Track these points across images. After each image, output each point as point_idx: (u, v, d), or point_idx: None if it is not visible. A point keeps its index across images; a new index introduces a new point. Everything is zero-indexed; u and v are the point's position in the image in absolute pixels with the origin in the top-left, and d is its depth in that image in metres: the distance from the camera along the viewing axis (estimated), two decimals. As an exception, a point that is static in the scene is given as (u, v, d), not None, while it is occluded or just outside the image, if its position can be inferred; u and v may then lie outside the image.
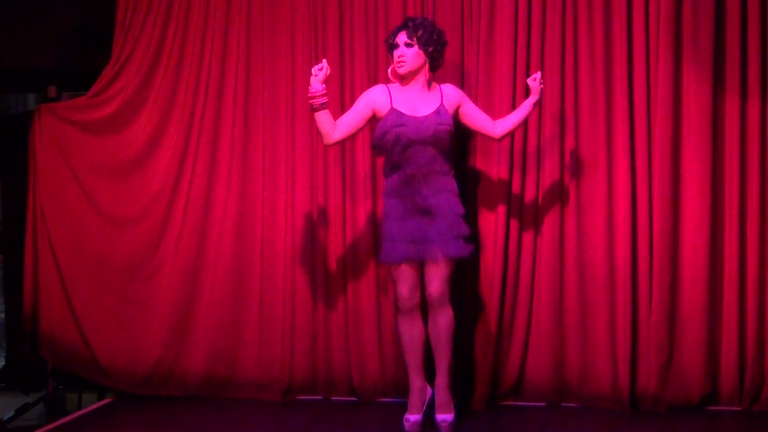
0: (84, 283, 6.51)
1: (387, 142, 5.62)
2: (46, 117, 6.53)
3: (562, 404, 6.19)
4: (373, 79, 6.30)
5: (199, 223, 6.48)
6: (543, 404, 6.19)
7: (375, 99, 5.68)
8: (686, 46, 6.00)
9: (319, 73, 5.49)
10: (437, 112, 5.64)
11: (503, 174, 6.13)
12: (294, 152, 6.42)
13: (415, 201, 5.61)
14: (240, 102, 6.47)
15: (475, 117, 5.79)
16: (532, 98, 5.77)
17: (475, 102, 6.10)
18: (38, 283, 6.55)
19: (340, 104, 6.33)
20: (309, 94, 5.54)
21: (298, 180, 6.42)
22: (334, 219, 6.37)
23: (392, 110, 5.62)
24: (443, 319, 5.66)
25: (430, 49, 5.66)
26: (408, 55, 5.63)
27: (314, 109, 5.55)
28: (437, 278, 5.61)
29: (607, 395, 6.07)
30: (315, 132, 6.11)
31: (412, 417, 5.71)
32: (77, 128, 6.53)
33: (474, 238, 6.05)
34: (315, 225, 6.40)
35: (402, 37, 5.65)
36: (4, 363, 7.76)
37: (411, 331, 5.73)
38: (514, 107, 6.08)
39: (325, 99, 5.53)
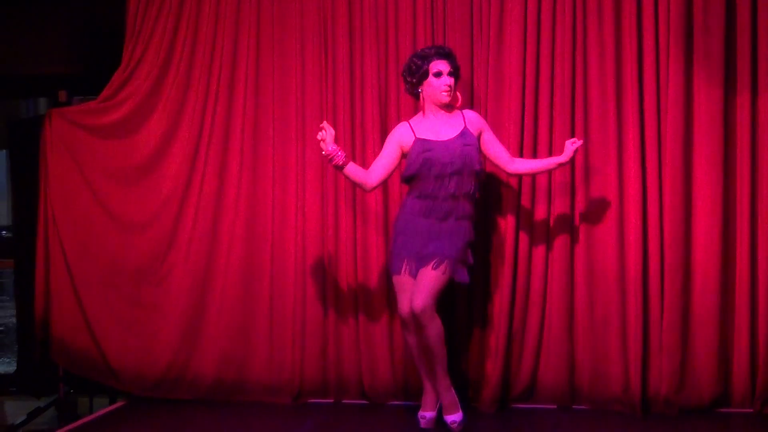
0: (95, 288, 6.52)
1: (417, 170, 5.66)
2: (57, 121, 6.54)
3: (574, 407, 6.18)
4: (383, 76, 6.32)
5: (209, 227, 6.48)
6: (554, 407, 6.18)
7: (400, 137, 5.75)
8: (697, 48, 6.00)
9: (326, 136, 5.54)
10: (462, 134, 5.70)
11: (513, 178, 6.12)
12: (304, 156, 6.42)
13: (434, 223, 5.66)
14: (250, 106, 6.47)
15: (493, 147, 5.83)
16: (561, 159, 5.77)
17: (485, 106, 6.13)
18: (50, 287, 6.56)
19: (350, 106, 6.35)
20: (327, 159, 5.58)
21: (309, 184, 6.42)
22: (344, 222, 6.37)
23: (417, 140, 5.70)
24: (431, 332, 5.60)
25: (458, 79, 5.80)
26: (452, 83, 5.72)
27: (339, 168, 5.61)
28: (424, 290, 5.58)
29: (618, 398, 6.06)
30: None
31: (428, 414, 5.77)
32: (88, 132, 6.54)
33: (484, 242, 6.06)
34: (325, 229, 6.40)
35: (445, 66, 5.71)
36: (15, 367, 7.77)
37: (414, 340, 5.74)
38: (522, 112, 6.11)
39: (342, 156, 5.58)
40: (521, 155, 6.11)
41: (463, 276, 5.69)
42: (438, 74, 5.70)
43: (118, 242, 6.53)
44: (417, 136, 5.70)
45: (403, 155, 5.75)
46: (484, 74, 6.20)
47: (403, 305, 5.68)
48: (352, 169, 5.64)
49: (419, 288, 5.59)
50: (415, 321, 5.60)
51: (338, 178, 6.35)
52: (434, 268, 5.60)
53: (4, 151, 8.93)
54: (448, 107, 5.76)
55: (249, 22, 6.47)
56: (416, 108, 5.93)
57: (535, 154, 6.12)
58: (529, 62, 6.15)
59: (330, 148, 5.55)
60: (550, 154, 6.09)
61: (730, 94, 6.00)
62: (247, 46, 6.46)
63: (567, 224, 6.13)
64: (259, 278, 6.45)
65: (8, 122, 7.69)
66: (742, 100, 5.99)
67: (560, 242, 6.12)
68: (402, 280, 5.69)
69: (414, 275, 5.65)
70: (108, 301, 6.52)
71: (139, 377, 6.49)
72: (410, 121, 5.80)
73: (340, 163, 5.58)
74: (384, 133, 6.22)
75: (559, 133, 6.13)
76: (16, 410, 7.05)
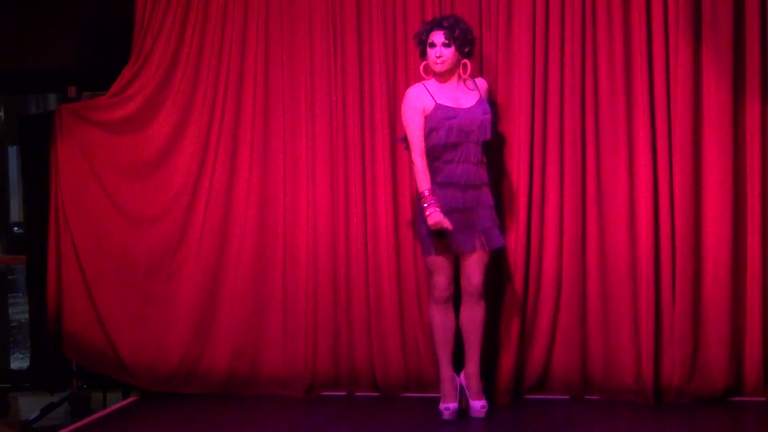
0: (107, 283, 6.53)
1: (440, 137, 5.73)
2: (66, 117, 6.55)
3: (586, 397, 6.18)
4: (392, 71, 6.33)
5: (220, 221, 6.48)
6: (567, 397, 6.18)
7: (420, 101, 5.80)
8: (705, 38, 5.98)
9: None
10: (479, 102, 5.80)
11: (524, 168, 6.11)
12: (314, 149, 6.42)
13: (460, 195, 5.73)
14: (259, 99, 6.47)
15: None
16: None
17: (495, 98, 6.13)
18: (62, 283, 6.57)
19: (359, 99, 6.35)
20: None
21: (319, 177, 6.42)
22: (354, 215, 6.37)
23: (438, 106, 5.76)
24: (479, 311, 5.80)
25: (466, 49, 5.82)
26: (446, 54, 5.77)
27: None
28: (479, 269, 5.77)
29: (630, 388, 6.06)
30: (338, 131, 6.37)
31: (451, 405, 5.80)
32: (98, 128, 6.55)
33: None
34: (336, 221, 6.41)
35: (439, 37, 5.78)
36: (29, 363, 7.79)
37: (445, 322, 5.82)
38: (533, 103, 6.13)
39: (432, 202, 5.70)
40: (531, 149, 6.13)
41: (501, 240, 5.84)
42: (432, 45, 5.80)
43: (129, 237, 6.54)
44: (438, 102, 5.77)
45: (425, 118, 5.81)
46: (494, 65, 6.19)
47: (442, 281, 5.76)
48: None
49: (473, 266, 5.76)
50: (470, 297, 5.76)
51: (348, 172, 6.37)
52: (480, 247, 5.74)
53: (15, 147, 8.94)
54: (457, 76, 5.84)
55: (258, 15, 6.45)
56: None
57: (544, 145, 6.14)
58: (538, 55, 6.14)
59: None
60: (561, 144, 6.13)
61: (739, 84, 5.98)
62: (256, 38, 6.46)
63: (578, 214, 6.12)
64: (270, 272, 6.46)
65: (18, 118, 7.70)
66: (752, 90, 5.96)
67: (572, 232, 6.11)
68: (436, 260, 5.76)
69: (449, 253, 5.73)
70: (119, 296, 6.53)
71: (152, 372, 6.50)
72: (425, 83, 5.85)
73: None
74: (393, 127, 6.25)
75: (569, 125, 6.12)
76: (29, 405, 7.07)
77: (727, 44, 5.97)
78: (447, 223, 5.64)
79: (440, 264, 5.77)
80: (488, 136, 5.79)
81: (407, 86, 6.20)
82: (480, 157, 5.80)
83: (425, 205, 5.68)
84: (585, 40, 6.13)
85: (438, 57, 5.77)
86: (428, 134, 5.75)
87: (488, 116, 5.79)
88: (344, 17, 6.38)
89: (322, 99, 6.40)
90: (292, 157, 6.45)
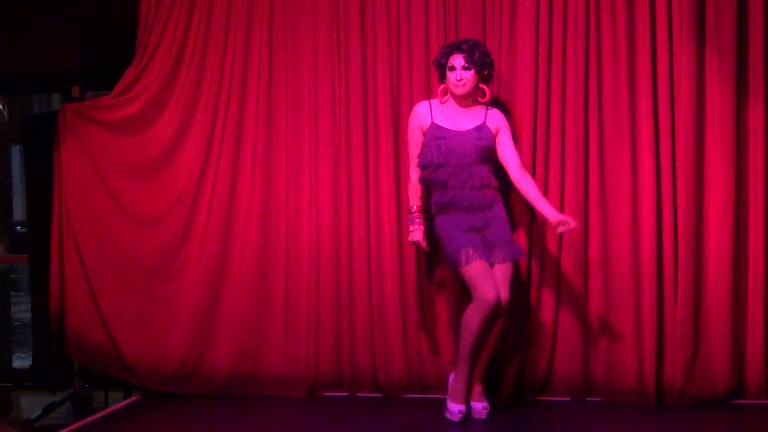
0: (109, 282, 6.53)
1: (430, 157, 5.77)
2: (70, 116, 6.55)
3: (588, 399, 6.17)
4: (395, 72, 6.32)
5: (223, 221, 6.48)
6: (568, 399, 6.17)
7: (419, 119, 5.90)
8: (709, 42, 5.97)
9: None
10: (478, 128, 5.80)
11: (527, 168, 6.11)
12: (317, 149, 6.42)
13: (466, 216, 5.76)
14: (263, 100, 6.46)
15: (505, 150, 5.88)
16: (550, 217, 5.75)
17: (497, 102, 6.12)
18: (64, 282, 6.57)
19: (363, 101, 6.35)
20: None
21: (322, 177, 6.42)
22: (357, 216, 6.36)
23: (432, 125, 5.82)
24: (501, 323, 5.74)
25: (486, 72, 5.86)
26: (467, 77, 5.80)
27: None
28: (506, 284, 5.71)
29: (632, 390, 6.05)
30: (341, 132, 6.40)
31: (464, 407, 5.80)
32: (101, 127, 6.54)
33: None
34: (339, 222, 6.40)
35: (459, 60, 5.81)
36: (31, 362, 7.79)
37: (485, 330, 5.72)
38: (535, 108, 6.14)
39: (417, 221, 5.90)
40: (534, 151, 6.13)
41: (520, 251, 5.84)
42: (452, 68, 5.80)
43: (132, 237, 6.53)
44: (433, 121, 5.82)
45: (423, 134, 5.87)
46: (497, 70, 6.17)
47: (489, 291, 5.63)
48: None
49: (501, 282, 5.67)
50: (500, 310, 5.67)
51: (351, 173, 6.37)
52: (503, 261, 5.72)
53: (18, 146, 8.94)
54: (473, 101, 5.86)
55: (261, 16, 6.44)
56: (428, 96, 6.07)
57: (547, 148, 6.13)
58: (541, 57, 6.14)
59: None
60: (563, 149, 6.13)
61: (742, 88, 5.98)
62: (260, 39, 6.45)
63: (581, 215, 6.10)
64: (273, 272, 6.45)
65: (22, 118, 7.70)
66: (755, 93, 5.96)
67: (574, 234, 6.08)
68: (477, 267, 5.67)
69: (486, 259, 5.70)
70: (122, 295, 6.52)
71: (154, 372, 6.49)
72: (431, 101, 5.91)
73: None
74: (397, 129, 6.26)
75: (571, 126, 6.12)
76: (31, 405, 7.06)
77: (731, 48, 5.96)
78: (424, 245, 5.86)
79: (480, 271, 5.67)
80: (486, 162, 5.80)
81: (410, 87, 6.26)
82: (483, 181, 5.78)
83: (410, 221, 5.88)
84: (589, 44, 6.12)
85: (459, 80, 5.79)
86: (422, 152, 5.82)
87: (484, 142, 5.77)
88: (348, 18, 6.38)
89: (326, 99, 6.40)
90: (295, 157, 6.44)
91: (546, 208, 5.79)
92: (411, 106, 6.17)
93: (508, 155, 5.86)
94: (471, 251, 5.67)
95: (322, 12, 6.41)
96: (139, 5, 6.55)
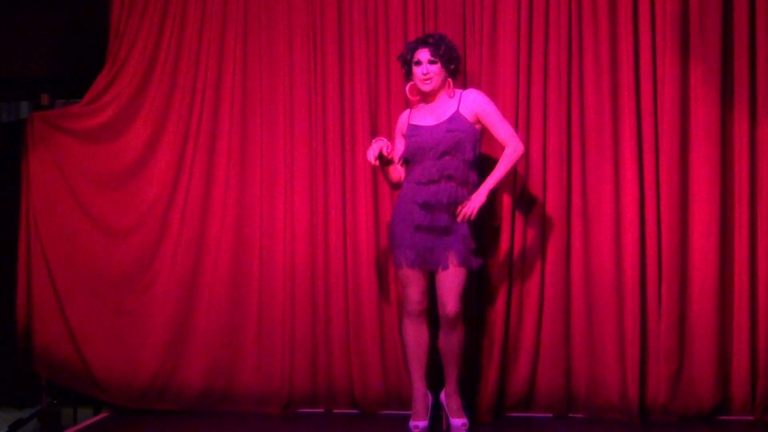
0: (78, 296, 6.44)
1: (404, 155, 5.73)
2: (39, 125, 6.46)
3: (570, 415, 6.10)
4: (373, 80, 6.28)
5: (196, 233, 6.40)
6: (550, 415, 6.10)
7: (401, 126, 5.87)
8: (693, 51, 5.95)
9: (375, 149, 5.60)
10: (450, 119, 5.67)
11: (509, 177, 6.01)
12: (293, 159, 6.35)
13: (429, 214, 5.61)
14: (237, 109, 6.39)
15: (495, 130, 5.71)
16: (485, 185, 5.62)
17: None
18: (32, 295, 6.47)
19: (340, 108, 6.29)
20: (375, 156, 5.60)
21: (297, 188, 6.35)
22: (334, 227, 6.30)
23: (408, 126, 5.77)
24: (456, 337, 5.66)
25: (452, 66, 5.77)
26: (433, 71, 5.71)
27: (388, 163, 5.70)
28: (453, 295, 5.58)
29: (615, 406, 5.99)
30: (317, 141, 6.33)
31: (421, 423, 5.72)
32: (71, 136, 6.46)
33: (479, 246, 5.93)
34: (315, 233, 6.32)
35: (425, 55, 5.72)
36: (-4, 378, 7.67)
37: (417, 337, 5.72)
38: (517, 114, 6.08)
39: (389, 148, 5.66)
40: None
41: (476, 262, 5.66)
42: (418, 63, 5.73)
43: (102, 249, 6.44)
44: (410, 122, 5.77)
45: None
46: (477, 74, 6.11)
47: (413, 294, 5.65)
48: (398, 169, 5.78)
49: (447, 292, 5.58)
50: (450, 322, 5.57)
51: (328, 181, 6.31)
52: (452, 267, 5.56)
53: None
54: (447, 93, 5.76)
55: (236, 23, 6.39)
56: (408, 106, 5.99)
57: (528, 159, 6.06)
58: (522, 68, 6.09)
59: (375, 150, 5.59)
60: (544, 154, 6.07)
61: (727, 98, 5.95)
62: (234, 45, 6.39)
63: (563, 229, 6.05)
64: (247, 285, 6.37)
65: (-12, 126, 7.59)
66: (740, 103, 5.92)
67: (556, 247, 6.04)
68: (407, 273, 5.66)
69: (420, 267, 5.61)
70: (92, 309, 6.43)
71: (124, 387, 6.40)
72: (412, 108, 5.87)
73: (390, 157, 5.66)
74: (374, 135, 6.16)
75: (554, 136, 6.06)
76: (-3, 422, 6.95)
77: (716, 57, 5.93)
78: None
79: (410, 277, 5.67)
80: (460, 155, 5.61)
81: (389, 95, 6.25)
82: (452, 173, 5.61)
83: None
84: (571, 54, 6.08)
85: (425, 74, 5.70)
86: (404, 151, 5.75)
87: (456, 133, 5.61)
88: (325, 25, 6.32)
89: (302, 108, 6.34)
90: (270, 167, 6.38)
91: (484, 183, 5.64)
92: (389, 112, 6.21)
93: (501, 134, 5.69)
94: (408, 253, 5.62)
95: (299, 19, 6.36)
96: (111, 11, 6.48)
